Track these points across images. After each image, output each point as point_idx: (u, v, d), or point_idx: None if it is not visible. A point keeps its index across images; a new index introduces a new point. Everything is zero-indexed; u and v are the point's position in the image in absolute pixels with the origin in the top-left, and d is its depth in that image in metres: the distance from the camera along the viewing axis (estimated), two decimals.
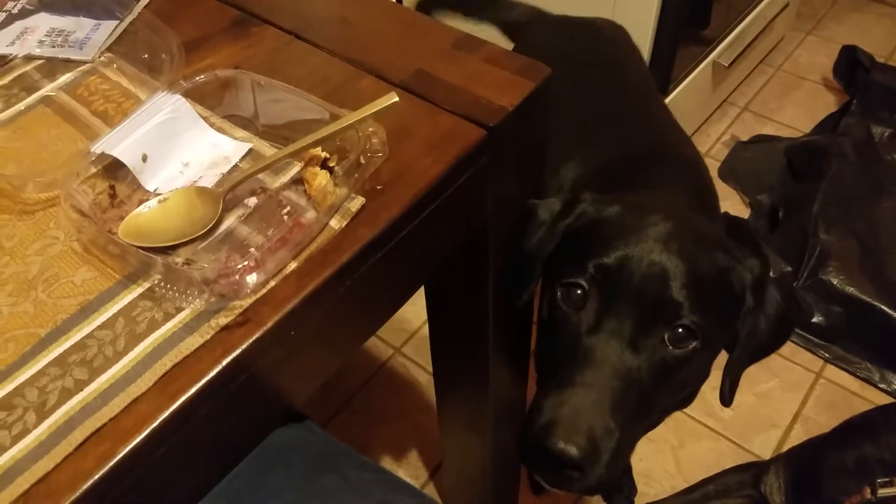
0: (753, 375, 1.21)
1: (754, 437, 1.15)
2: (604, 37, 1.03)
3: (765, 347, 0.62)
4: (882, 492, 0.80)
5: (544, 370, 0.62)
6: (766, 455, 1.12)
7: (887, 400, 1.17)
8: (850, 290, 1.22)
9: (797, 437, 1.13)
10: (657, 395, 0.56)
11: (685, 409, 1.04)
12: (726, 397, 0.63)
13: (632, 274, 0.55)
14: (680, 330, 0.54)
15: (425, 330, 0.77)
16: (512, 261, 0.63)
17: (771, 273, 0.60)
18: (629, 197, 0.64)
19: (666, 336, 0.55)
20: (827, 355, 1.24)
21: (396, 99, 0.47)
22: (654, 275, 0.55)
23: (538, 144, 0.59)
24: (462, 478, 1.03)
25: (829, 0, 1.97)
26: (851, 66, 1.67)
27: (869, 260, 1.26)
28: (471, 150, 0.50)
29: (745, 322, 0.58)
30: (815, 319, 1.24)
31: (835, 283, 1.23)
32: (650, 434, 1.14)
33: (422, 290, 0.70)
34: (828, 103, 1.69)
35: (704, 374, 0.66)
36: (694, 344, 0.55)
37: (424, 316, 0.74)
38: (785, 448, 1.11)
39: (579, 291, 0.56)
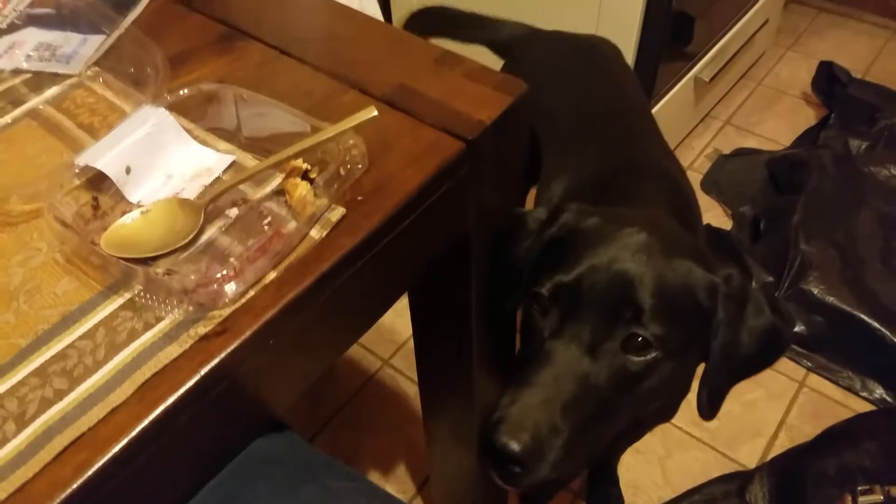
0: (739, 385, 1.21)
1: (740, 447, 1.16)
2: (597, 54, 1.04)
3: (751, 363, 0.62)
4: (863, 499, 0.81)
5: (515, 371, 0.63)
6: (752, 464, 1.13)
7: (869, 408, 1.19)
8: (831, 299, 1.23)
9: (782, 446, 1.14)
10: (619, 402, 0.57)
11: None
12: (704, 410, 0.63)
13: (597, 282, 0.56)
14: (639, 338, 0.55)
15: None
16: (499, 268, 0.64)
17: (753, 284, 0.61)
18: (612, 209, 0.65)
19: (626, 342, 0.56)
20: (810, 364, 1.25)
21: (375, 112, 0.48)
22: (618, 284, 0.56)
23: (516, 156, 0.60)
24: (450, 491, 1.03)
25: (809, 16, 2.01)
26: (829, 81, 1.70)
27: (848, 270, 1.28)
28: (450, 162, 0.51)
29: (718, 334, 0.58)
30: (797, 329, 1.26)
31: (815, 292, 1.25)
32: (637, 445, 1.15)
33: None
34: (808, 117, 1.72)
35: (681, 386, 0.67)
36: (654, 353, 0.55)
37: None
38: (770, 457, 1.12)
39: (545, 300, 0.58)
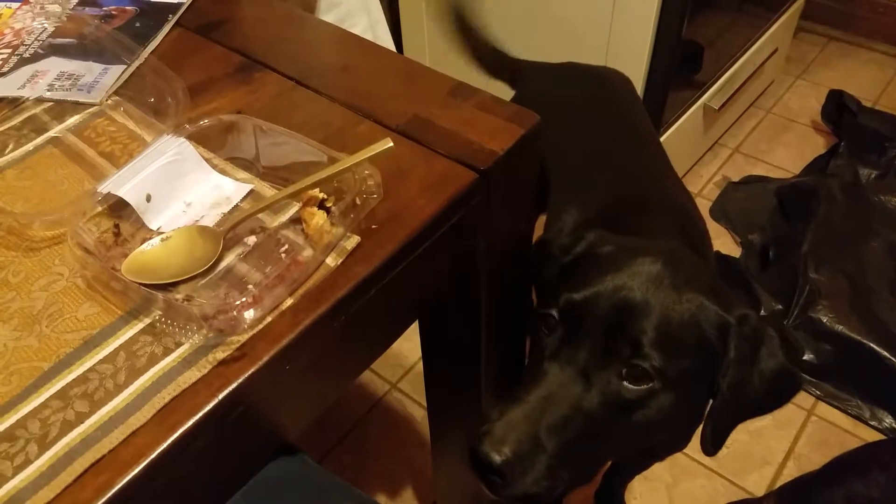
0: None
1: (748, 475, 1.15)
2: (608, 85, 1.05)
3: (759, 405, 0.62)
4: None
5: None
6: (760, 492, 1.12)
7: (878, 437, 1.18)
8: (840, 328, 1.23)
9: (790, 475, 1.13)
10: (613, 428, 0.57)
11: None
12: (708, 445, 0.62)
13: (599, 308, 0.57)
14: (639, 368, 0.55)
15: (421, 366, 0.78)
16: (524, 293, 0.65)
17: (762, 311, 0.61)
18: (632, 239, 0.66)
19: (622, 371, 0.56)
20: (818, 393, 1.24)
21: (391, 144, 0.49)
22: (618, 311, 0.56)
23: (527, 186, 0.62)
24: None
25: (819, 45, 2.03)
26: (839, 110, 1.71)
27: (858, 299, 1.28)
28: (463, 192, 0.52)
29: (727, 373, 0.58)
30: (805, 357, 1.25)
31: (825, 321, 1.24)
32: (645, 472, 1.14)
33: (417, 327, 0.71)
34: (817, 145, 1.72)
35: (689, 418, 0.66)
36: (652, 384, 0.56)
37: (420, 352, 0.76)
38: (778, 485, 1.11)
39: (553, 320, 0.59)
